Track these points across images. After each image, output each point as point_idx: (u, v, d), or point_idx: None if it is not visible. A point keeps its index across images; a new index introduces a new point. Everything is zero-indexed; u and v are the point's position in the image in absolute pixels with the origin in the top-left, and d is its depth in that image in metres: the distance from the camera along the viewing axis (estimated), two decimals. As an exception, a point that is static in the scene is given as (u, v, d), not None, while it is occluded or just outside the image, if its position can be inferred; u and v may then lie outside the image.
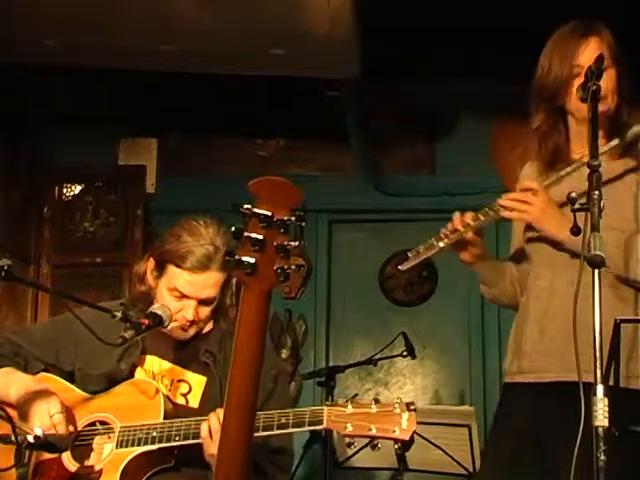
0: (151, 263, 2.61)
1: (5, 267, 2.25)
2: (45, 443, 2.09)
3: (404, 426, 2.17)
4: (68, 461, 2.46)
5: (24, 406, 2.45)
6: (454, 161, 5.19)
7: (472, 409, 3.74)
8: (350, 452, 3.94)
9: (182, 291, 2.52)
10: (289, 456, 2.62)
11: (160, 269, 2.57)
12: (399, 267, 2.55)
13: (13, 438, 1.97)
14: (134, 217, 5.15)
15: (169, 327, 2.51)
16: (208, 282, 2.52)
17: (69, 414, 2.48)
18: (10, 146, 4.83)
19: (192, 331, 2.59)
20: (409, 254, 2.52)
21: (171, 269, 2.53)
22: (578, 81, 2.37)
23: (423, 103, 5.16)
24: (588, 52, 2.42)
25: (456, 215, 2.53)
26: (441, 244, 2.50)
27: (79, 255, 5.15)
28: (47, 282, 4.96)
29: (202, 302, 2.55)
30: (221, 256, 2.49)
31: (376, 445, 2.21)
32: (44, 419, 2.41)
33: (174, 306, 2.53)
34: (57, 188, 5.21)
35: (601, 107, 2.28)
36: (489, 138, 5.17)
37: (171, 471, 2.46)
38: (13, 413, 2.44)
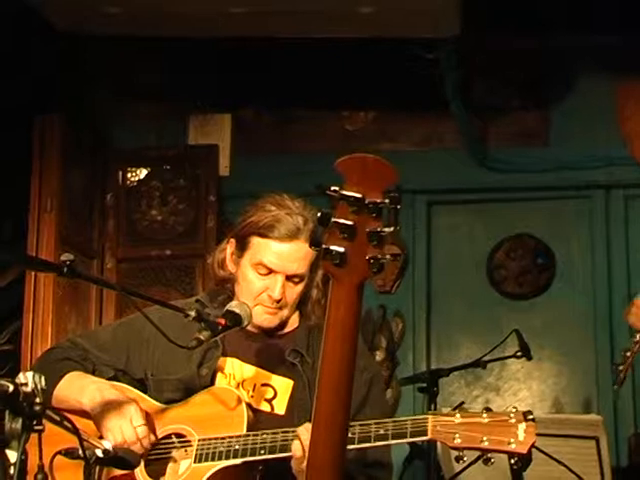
0: (232, 245, 2.66)
1: (67, 262, 2.29)
2: (115, 458, 2.14)
3: (521, 438, 2.16)
4: (142, 477, 2.52)
5: (101, 416, 2.52)
6: (571, 130, 5.13)
7: (600, 418, 3.68)
8: (457, 468, 3.93)
9: (268, 265, 2.56)
10: (387, 471, 2.63)
11: (242, 246, 2.61)
12: (614, 387, 2.78)
13: (80, 452, 2.02)
14: (206, 203, 5.23)
15: (252, 313, 2.54)
16: (297, 254, 2.55)
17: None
18: (69, 127, 4.95)
19: (277, 319, 2.63)
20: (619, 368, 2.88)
21: (255, 241, 2.58)
22: None
23: (535, 64, 5.09)
24: None
25: None
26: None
27: (146, 247, 5.26)
28: (112, 278, 5.07)
29: (290, 279, 2.58)
30: (310, 229, 2.53)
31: (489, 459, 2.20)
32: (127, 432, 2.47)
33: (259, 285, 2.58)
34: (120, 173, 5.32)
35: None
36: (612, 102, 5.07)
37: (255, 489, 2.50)
38: (86, 423, 2.51)
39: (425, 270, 5.29)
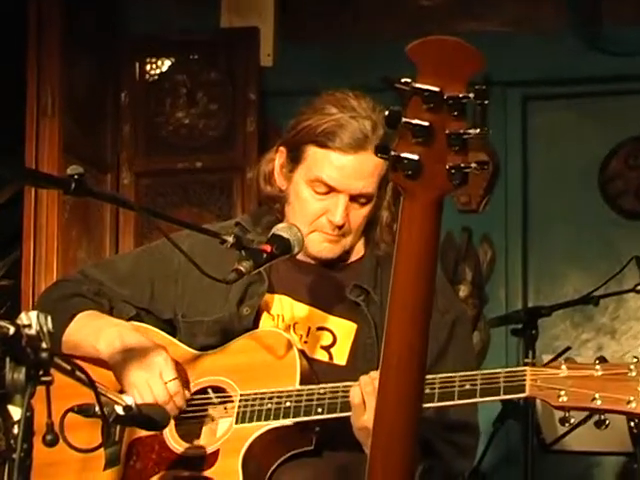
0: (282, 155, 2.66)
1: (75, 177, 2.30)
2: (140, 416, 2.17)
3: (643, 395, 2.17)
4: (172, 440, 2.56)
5: (122, 367, 2.55)
6: None
7: None
8: (562, 431, 3.96)
9: (328, 181, 2.56)
10: (473, 435, 2.66)
11: (295, 157, 2.61)
12: None
13: (97, 409, 2.06)
14: (245, 102, 5.24)
15: (308, 240, 2.55)
16: (364, 168, 2.55)
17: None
18: (73, 8, 4.95)
19: (339, 248, 2.64)
20: None
21: (312, 152, 2.57)
22: None
23: None
24: None
25: None
26: None
27: (171, 158, 5.30)
28: (130, 197, 5.12)
29: (355, 199, 2.58)
30: (380, 136, 2.50)
31: (603, 422, 2.21)
32: (157, 389, 2.51)
33: (316, 207, 2.58)
34: (138, 64, 5.34)
35: None
36: None
37: (311, 456, 2.52)
38: (103, 373, 2.56)
39: (520, 183, 5.27)
